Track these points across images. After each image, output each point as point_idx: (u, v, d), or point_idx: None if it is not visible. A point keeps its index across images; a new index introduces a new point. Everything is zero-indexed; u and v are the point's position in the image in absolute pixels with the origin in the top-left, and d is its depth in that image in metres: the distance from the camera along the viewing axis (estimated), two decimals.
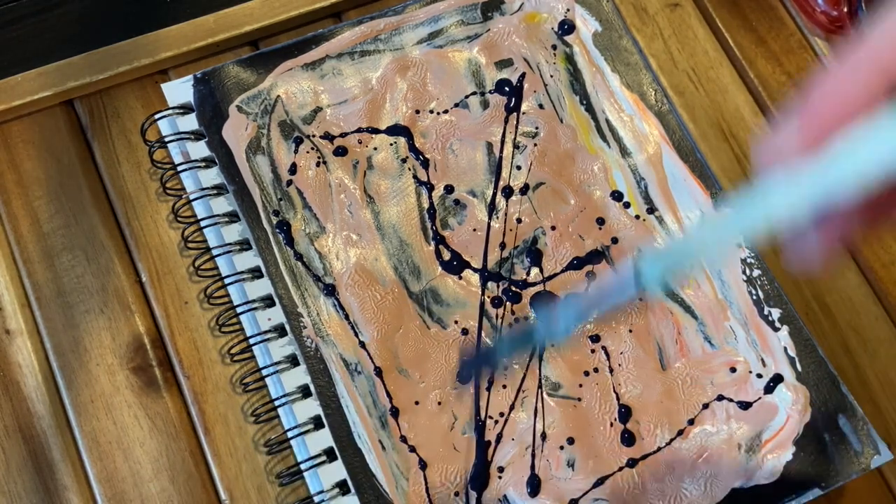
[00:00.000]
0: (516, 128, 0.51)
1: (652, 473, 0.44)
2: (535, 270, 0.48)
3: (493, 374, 0.44)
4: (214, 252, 0.47)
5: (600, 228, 0.49)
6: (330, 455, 0.44)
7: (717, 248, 0.31)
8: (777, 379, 0.45)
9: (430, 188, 0.49)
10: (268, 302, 0.46)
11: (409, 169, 0.50)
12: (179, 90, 0.50)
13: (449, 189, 0.49)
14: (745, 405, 0.45)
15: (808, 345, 0.46)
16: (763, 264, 0.48)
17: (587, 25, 0.53)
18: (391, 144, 0.50)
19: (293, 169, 0.49)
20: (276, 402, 0.44)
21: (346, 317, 0.46)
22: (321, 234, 0.48)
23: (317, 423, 0.44)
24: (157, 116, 0.49)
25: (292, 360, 0.45)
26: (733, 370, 0.46)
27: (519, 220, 0.49)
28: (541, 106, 0.51)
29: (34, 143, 0.50)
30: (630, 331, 0.46)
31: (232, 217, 0.48)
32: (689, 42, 0.55)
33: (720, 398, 0.45)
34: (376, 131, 0.50)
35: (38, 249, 0.48)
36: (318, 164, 0.49)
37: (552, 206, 0.49)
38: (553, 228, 0.49)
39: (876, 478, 0.47)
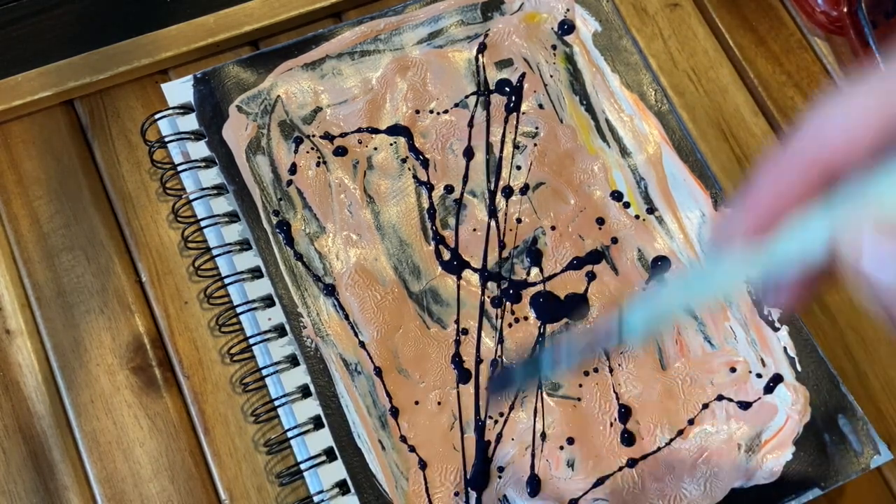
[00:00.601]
0: (516, 128, 0.51)
1: (652, 473, 0.44)
2: (535, 270, 0.48)
3: (509, 397, 0.45)
4: (214, 252, 0.47)
5: (600, 228, 0.49)
6: (330, 455, 0.44)
7: (688, 302, 0.37)
8: (777, 379, 0.45)
9: (430, 188, 0.49)
10: (268, 302, 0.46)
11: (409, 169, 0.50)
12: (179, 90, 0.50)
13: (449, 189, 0.49)
14: (744, 405, 0.45)
15: (808, 345, 0.46)
16: None
17: (587, 25, 0.53)
18: (391, 144, 0.50)
19: (293, 169, 0.49)
20: (276, 402, 0.44)
21: (346, 317, 0.46)
22: (321, 234, 0.48)
23: (317, 423, 0.44)
24: (157, 116, 0.49)
25: (292, 360, 0.45)
26: (733, 370, 0.46)
27: (519, 220, 0.49)
28: (541, 106, 0.51)
29: (34, 143, 0.50)
30: None
31: (232, 217, 0.48)
32: (689, 42, 0.55)
33: (720, 398, 0.45)
34: (376, 131, 0.50)
35: (38, 249, 0.48)
36: (318, 164, 0.49)
37: (552, 206, 0.49)
38: (553, 228, 0.49)
39: (876, 478, 0.47)
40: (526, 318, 0.47)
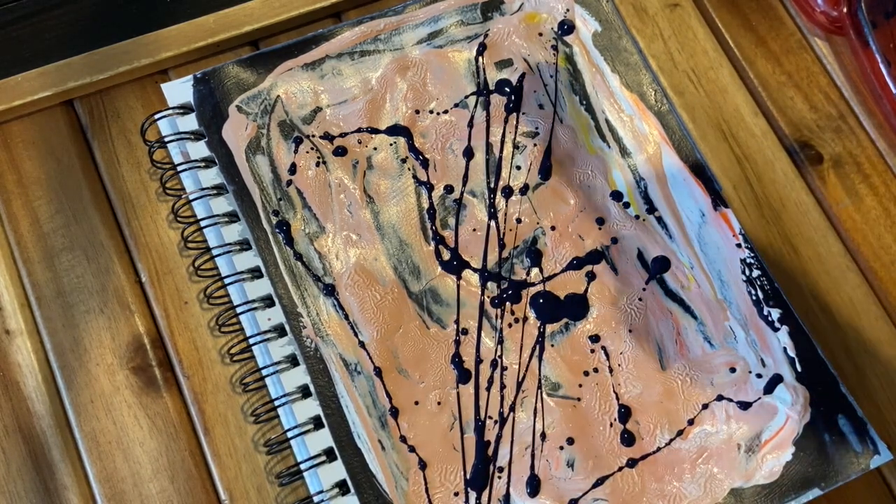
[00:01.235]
0: (516, 128, 0.51)
1: (652, 473, 0.44)
2: (534, 270, 0.48)
3: None
4: (214, 252, 0.47)
5: (600, 228, 0.49)
6: (330, 455, 0.44)
7: None
8: (777, 379, 0.45)
9: (430, 188, 0.49)
10: (267, 302, 0.46)
11: (409, 169, 0.50)
12: (179, 90, 0.50)
13: (449, 189, 0.49)
14: (744, 405, 0.45)
15: (808, 345, 0.46)
16: (763, 264, 0.48)
17: (587, 25, 0.53)
18: (391, 144, 0.50)
19: (293, 169, 0.49)
20: (276, 402, 0.44)
21: (346, 317, 0.46)
22: (321, 234, 0.48)
23: (316, 423, 0.44)
24: (157, 116, 0.49)
25: (292, 360, 0.45)
26: (733, 370, 0.46)
27: (519, 220, 0.49)
28: (541, 106, 0.51)
29: (34, 143, 0.50)
30: (630, 331, 0.46)
31: (232, 217, 0.48)
32: (688, 42, 0.55)
33: (720, 398, 0.45)
34: (376, 131, 0.50)
35: (38, 249, 0.48)
36: (317, 164, 0.49)
37: (552, 206, 0.49)
38: (553, 228, 0.49)
39: (876, 478, 0.47)
40: (526, 319, 0.47)
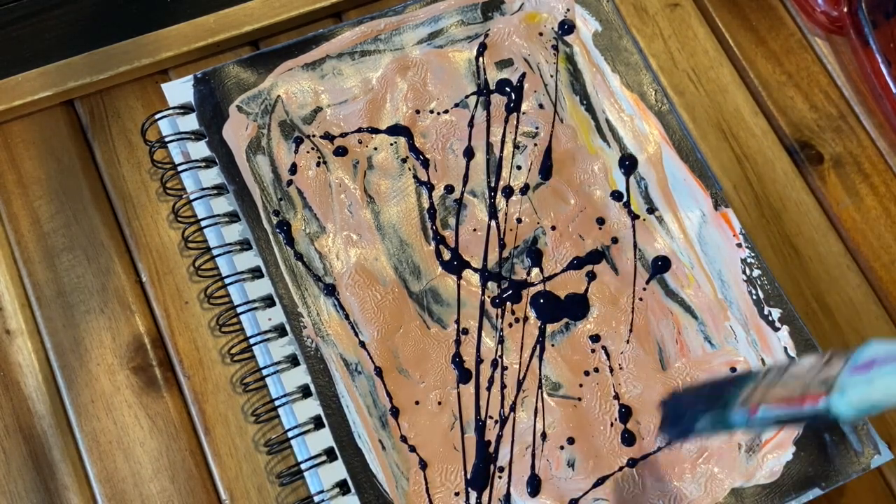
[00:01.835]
0: (516, 128, 0.51)
1: (652, 473, 0.44)
2: (535, 270, 0.48)
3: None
4: (214, 252, 0.47)
5: (600, 228, 0.49)
6: (330, 455, 0.44)
7: None
8: None
9: (430, 188, 0.49)
10: (268, 302, 0.46)
11: (410, 169, 0.50)
12: (180, 90, 0.50)
13: (449, 189, 0.49)
14: None
15: (808, 345, 0.46)
16: (763, 264, 0.48)
17: (587, 25, 0.53)
18: (391, 144, 0.50)
19: (293, 169, 0.49)
20: (277, 402, 0.44)
21: (347, 317, 0.46)
22: (321, 233, 0.48)
23: (317, 423, 0.44)
24: (157, 116, 0.49)
25: (292, 360, 0.45)
26: (733, 370, 0.46)
27: (519, 220, 0.49)
28: (541, 106, 0.51)
29: (34, 143, 0.50)
30: (630, 331, 0.47)
31: (232, 217, 0.48)
32: (689, 42, 0.55)
33: None
34: (376, 131, 0.50)
35: (38, 249, 0.48)
36: (318, 164, 0.49)
37: (552, 206, 0.49)
38: (553, 228, 0.49)
39: (876, 478, 0.47)
40: (526, 318, 0.47)
